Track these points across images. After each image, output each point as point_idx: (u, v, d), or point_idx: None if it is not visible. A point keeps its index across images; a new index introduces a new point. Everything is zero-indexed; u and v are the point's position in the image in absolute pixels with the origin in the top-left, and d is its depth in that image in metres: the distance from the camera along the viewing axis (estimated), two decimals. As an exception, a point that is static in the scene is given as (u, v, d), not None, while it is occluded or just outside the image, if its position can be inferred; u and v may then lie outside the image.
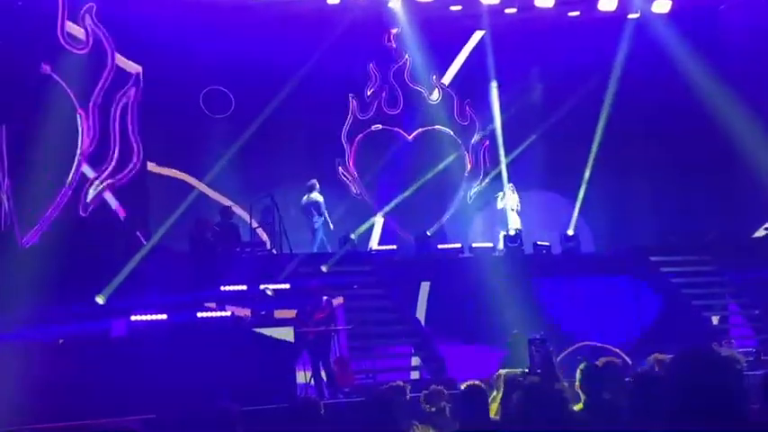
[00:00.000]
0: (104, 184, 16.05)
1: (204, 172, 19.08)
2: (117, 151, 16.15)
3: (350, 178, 20.96)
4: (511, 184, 20.87)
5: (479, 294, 17.35)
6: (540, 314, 16.70)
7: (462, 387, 7.30)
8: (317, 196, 19.43)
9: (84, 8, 16.15)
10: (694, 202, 21.74)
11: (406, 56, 21.04)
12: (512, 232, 20.12)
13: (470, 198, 21.69)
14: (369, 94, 20.75)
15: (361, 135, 20.91)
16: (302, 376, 14.88)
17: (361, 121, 20.83)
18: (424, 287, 17.89)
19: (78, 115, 16.06)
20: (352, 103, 20.79)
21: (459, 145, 21.61)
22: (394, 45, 20.91)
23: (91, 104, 16.13)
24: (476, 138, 21.73)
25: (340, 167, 20.89)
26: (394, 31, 20.72)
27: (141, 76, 16.49)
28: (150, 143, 18.38)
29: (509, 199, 20.66)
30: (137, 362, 13.67)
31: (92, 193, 15.99)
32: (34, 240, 15.52)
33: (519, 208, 20.69)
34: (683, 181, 21.79)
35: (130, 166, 16.33)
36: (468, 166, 21.80)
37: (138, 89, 16.39)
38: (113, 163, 16.12)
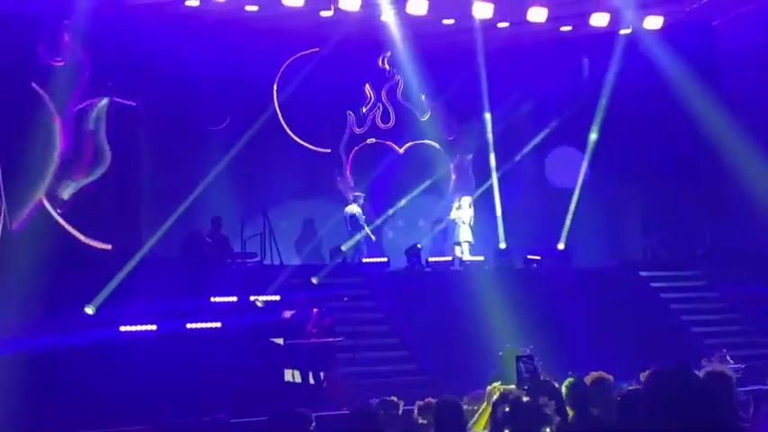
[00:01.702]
0: (78, 184, 17.71)
1: (197, 182, 19.16)
2: (90, 155, 17.82)
3: (347, 187, 21.31)
4: (469, 197, 20.93)
5: (471, 308, 17.43)
6: (533, 328, 16.76)
7: (436, 402, 7.38)
8: (350, 209, 19.77)
9: (63, 24, 17.55)
10: (685, 216, 21.81)
11: (398, 76, 21.60)
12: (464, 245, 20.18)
13: (455, 209, 21.74)
14: (364, 111, 21.62)
15: (356, 148, 21.55)
16: (290, 374, 14.93)
17: (357, 135, 21.54)
18: None
19: (54, 122, 17.52)
20: (350, 119, 21.41)
21: (446, 158, 22.00)
22: (387, 67, 21.68)
23: (66, 112, 17.64)
24: (462, 154, 22.10)
25: (338, 177, 21.32)
26: (387, 54, 21.40)
27: (114, 87, 18.01)
28: (145, 153, 18.64)
29: (464, 212, 20.73)
30: (128, 372, 13.72)
31: (66, 192, 17.58)
32: (22, 226, 16.95)
33: (471, 222, 20.75)
34: (673, 194, 21.89)
35: (101, 168, 17.97)
36: (453, 177, 21.97)
37: (112, 100, 17.92)
38: (85, 166, 17.80)
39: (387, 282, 18.90)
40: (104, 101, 18.03)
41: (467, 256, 20.18)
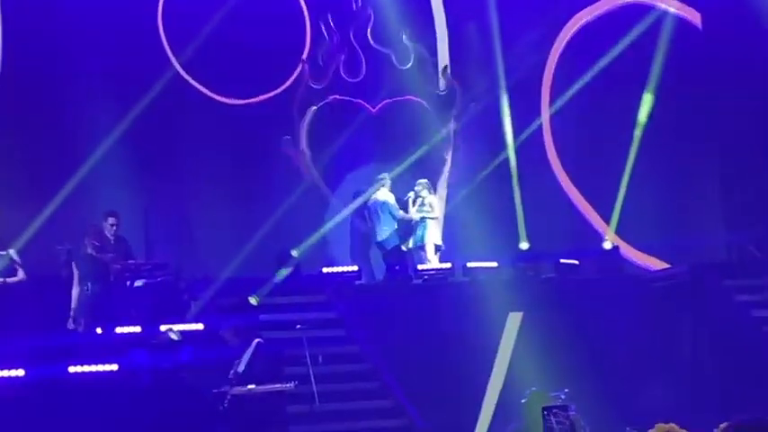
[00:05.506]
0: None
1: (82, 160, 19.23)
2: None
3: (300, 160, 21.48)
4: (425, 181, 20.83)
5: (480, 336, 17.44)
6: (570, 364, 16.76)
7: None
8: (379, 195, 20.11)
9: None
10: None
11: (369, 9, 21.92)
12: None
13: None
14: (323, 58, 21.95)
15: (314, 108, 21.74)
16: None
17: (315, 90, 21.80)
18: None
19: None
20: (305, 69, 21.71)
21: (436, 120, 22.09)
22: None
23: None
24: (456, 112, 22.23)
25: (289, 150, 21.52)
26: None
27: None
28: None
29: (429, 201, 20.54)
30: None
31: None
32: None
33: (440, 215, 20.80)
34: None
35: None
36: (449, 155, 22.17)
37: None
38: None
39: (359, 301, 18.83)
40: None
41: (432, 264, 20.13)
